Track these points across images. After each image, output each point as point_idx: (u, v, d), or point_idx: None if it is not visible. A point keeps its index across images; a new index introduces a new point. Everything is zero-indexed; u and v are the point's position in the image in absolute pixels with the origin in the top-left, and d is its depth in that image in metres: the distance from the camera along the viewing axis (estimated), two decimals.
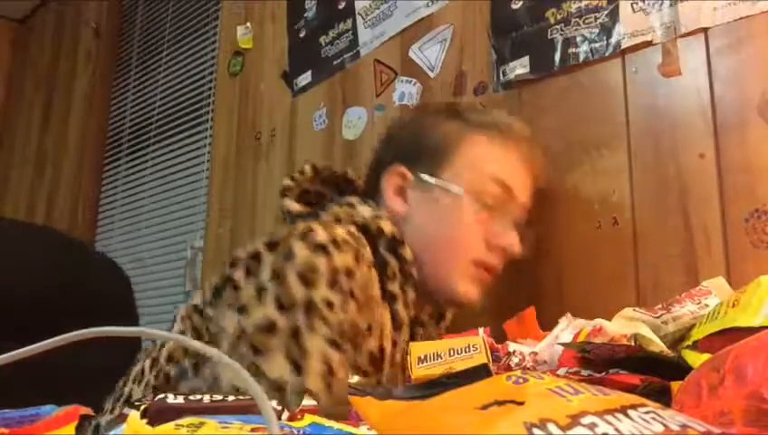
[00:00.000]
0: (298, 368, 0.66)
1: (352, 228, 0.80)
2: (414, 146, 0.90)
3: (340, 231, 0.76)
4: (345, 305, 0.70)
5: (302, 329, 0.68)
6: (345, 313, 0.70)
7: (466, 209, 0.84)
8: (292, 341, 0.68)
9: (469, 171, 0.85)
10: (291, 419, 0.38)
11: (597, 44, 1.12)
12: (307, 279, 0.69)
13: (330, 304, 0.69)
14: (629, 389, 0.45)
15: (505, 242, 0.84)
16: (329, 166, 0.93)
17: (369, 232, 0.82)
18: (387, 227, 0.84)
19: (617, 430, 0.26)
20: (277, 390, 0.66)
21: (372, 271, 0.77)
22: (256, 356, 0.68)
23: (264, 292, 0.70)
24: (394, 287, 0.82)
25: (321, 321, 0.69)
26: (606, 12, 1.11)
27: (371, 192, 0.93)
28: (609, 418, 0.26)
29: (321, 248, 0.71)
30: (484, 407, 0.28)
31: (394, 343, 0.82)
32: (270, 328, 0.68)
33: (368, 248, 0.78)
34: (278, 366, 0.67)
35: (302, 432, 0.35)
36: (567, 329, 0.67)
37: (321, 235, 0.73)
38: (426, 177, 0.86)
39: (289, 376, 0.67)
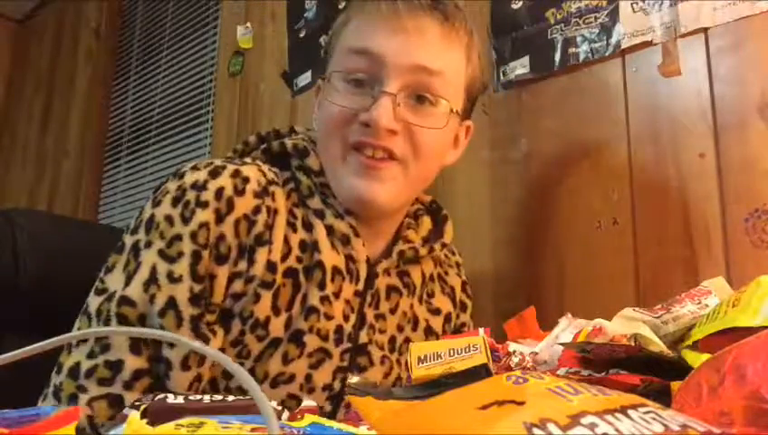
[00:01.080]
0: (129, 280, 0.69)
1: (248, 159, 0.80)
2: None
3: (213, 161, 0.75)
4: (191, 216, 0.70)
5: (140, 244, 0.71)
6: (187, 223, 0.70)
7: (333, 92, 0.77)
8: (131, 256, 0.71)
9: (335, 55, 0.80)
10: (291, 419, 0.38)
11: (597, 44, 1.12)
12: (156, 201, 0.73)
13: (169, 219, 0.70)
14: (629, 389, 0.45)
15: (367, 116, 0.74)
16: (275, 129, 0.89)
17: (275, 153, 0.82)
18: (289, 142, 0.82)
19: (617, 430, 0.26)
20: (108, 300, 0.69)
21: (265, 186, 0.75)
22: (105, 274, 0.72)
23: (129, 225, 0.75)
24: (314, 203, 0.79)
25: (158, 235, 0.70)
26: (606, 12, 1.11)
27: None
28: (609, 418, 0.26)
29: (179, 175, 0.74)
30: (484, 407, 0.28)
31: (351, 258, 0.79)
32: (120, 248, 0.72)
33: (254, 166, 0.75)
34: (116, 280, 0.70)
35: (302, 432, 0.35)
36: (567, 329, 0.67)
37: (187, 166, 0.75)
38: (323, 79, 0.82)
39: (120, 287, 0.69)
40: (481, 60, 0.86)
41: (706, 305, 0.60)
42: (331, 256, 0.77)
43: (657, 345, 0.54)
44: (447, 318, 0.92)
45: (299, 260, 0.76)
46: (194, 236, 0.70)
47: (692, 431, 0.26)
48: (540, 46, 1.20)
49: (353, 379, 0.55)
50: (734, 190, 0.94)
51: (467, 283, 0.97)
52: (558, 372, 0.54)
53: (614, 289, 1.04)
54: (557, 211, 1.14)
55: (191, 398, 0.39)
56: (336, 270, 0.78)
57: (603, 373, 0.50)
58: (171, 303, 0.69)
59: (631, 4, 1.08)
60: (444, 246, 0.91)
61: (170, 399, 0.39)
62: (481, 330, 0.82)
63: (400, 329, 0.85)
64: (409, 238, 0.86)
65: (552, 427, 0.25)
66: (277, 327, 0.74)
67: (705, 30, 0.99)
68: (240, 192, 0.72)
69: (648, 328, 0.58)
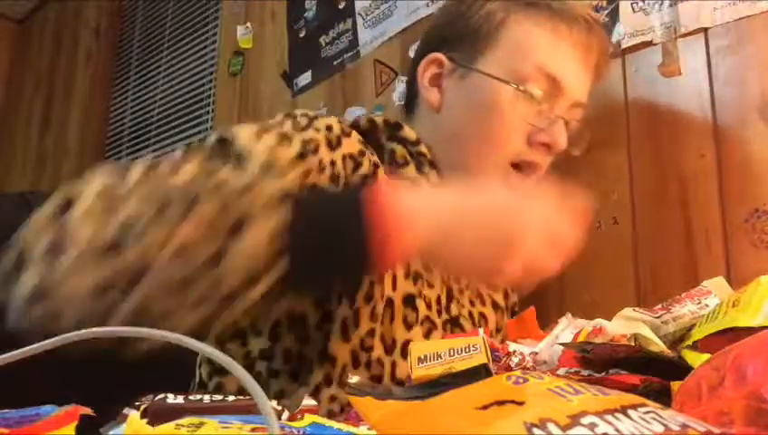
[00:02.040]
0: (260, 134, 0.65)
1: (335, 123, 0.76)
2: (451, 29, 0.80)
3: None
4: (305, 128, 0.67)
5: (271, 125, 0.67)
6: (300, 131, 0.67)
7: (507, 101, 0.74)
8: (265, 125, 0.67)
9: (512, 58, 0.75)
10: (291, 418, 0.38)
11: None
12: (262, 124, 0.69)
13: (280, 123, 0.68)
14: (629, 389, 0.45)
15: (548, 137, 0.74)
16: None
17: (362, 129, 0.78)
18: (378, 118, 0.79)
19: (617, 430, 0.26)
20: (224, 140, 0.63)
21: (364, 144, 0.72)
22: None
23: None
24: (409, 171, 0.76)
25: (265, 129, 0.66)
26: (606, 12, 1.11)
27: (410, 103, 0.85)
28: (609, 418, 0.26)
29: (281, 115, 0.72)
30: (484, 407, 0.28)
31: None
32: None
33: (350, 134, 0.73)
34: (246, 132, 0.65)
35: (302, 432, 0.35)
36: (567, 329, 0.67)
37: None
38: (464, 62, 0.77)
39: (250, 136, 0.64)
40: None
41: (706, 305, 0.60)
42: None
43: (657, 345, 0.54)
44: (505, 294, 0.91)
45: None
46: (305, 142, 0.66)
47: (692, 431, 0.26)
48: None
49: (353, 379, 0.55)
50: (735, 190, 0.94)
51: None
52: (558, 372, 0.54)
53: (614, 289, 1.04)
54: None
55: (191, 398, 0.39)
56: None
57: (603, 373, 0.50)
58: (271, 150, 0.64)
59: (631, 4, 1.08)
60: None
61: (170, 399, 0.39)
62: (481, 330, 0.82)
63: (472, 304, 0.84)
64: None
65: (551, 427, 0.25)
66: (387, 284, 0.71)
67: (705, 30, 0.99)
68: (346, 134, 0.70)
69: (647, 328, 0.58)
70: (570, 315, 0.73)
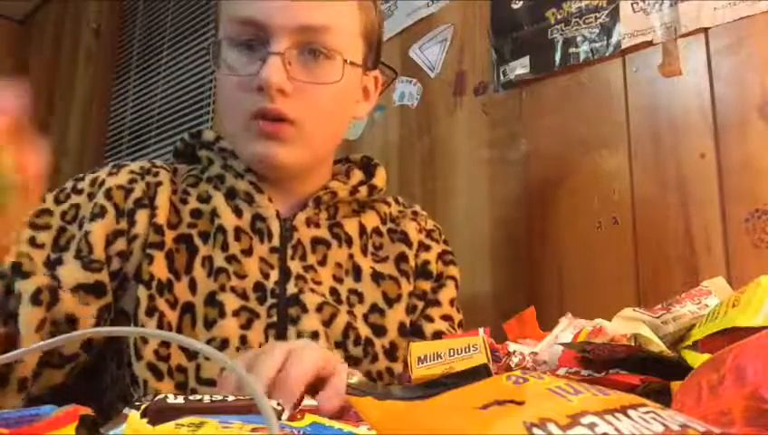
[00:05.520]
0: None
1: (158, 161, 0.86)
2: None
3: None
4: (65, 200, 0.77)
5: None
6: (59, 204, 0.77)
7: (225, 64, 0.76)
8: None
9: (223, 22, 0.78)
10: (291, 419, 0.38)
11: (597, 44, 1.12)
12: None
13: (43, 200, 0.77)
14: (629, 389, 0.45)
15: (258, 80, 0.72)
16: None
17: (179, 150, 0.87)
18: (187, 134, 0.87)
19: (617, 429, 0.26)
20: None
21: (149, 168, 0.80)
22: None
23: None
24: (214, 169, 0.82)
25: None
26: (606, 12, 1.11)
27: None
28: (609, 418, 0.26)
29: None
30: (484, 407, 0.28)
31: (259, 217, 0.79)
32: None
33: (145, 161, 0.82)
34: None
35: (302, 432, 0.35)
36: (567, 329, 0.67)
37: None
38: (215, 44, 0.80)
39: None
40: (377, 4, 0.83)
41: (706, 305, 0.60)
42: (231, 220, 0.78)
43: (657, 345, 0.54)
44: (401, 258, 0.86)
45: (191, 226, 0.78)
46: (63, 214, 0.76)
47: (692, 431, 0.26)
48: (540, 46, 1.20)
49: (353, 379, 0.55)
50: (735, 190, 0.94)
51: (435, 230, 0.91)
52: (558, 372, 0.54)
53: (614, 289, 1.04)
54: (557, 211, 1.14)
55: (191, 398, 0.39)
56: (239, 230, 0.78)
57: (603, 373, 0.50)
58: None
59: (631, 4, 1.08)
60: (372, 188, 0.86)
61: (170, 399, 0.39)
62: (481, 330, 0.82)
63: (339, 280, 0.81)
64: (333, 189, 0.83)
65: (552, 427, 0.25)
66: (182, 290, 0.74)
67: (706, 30, 0.99)
68: (113, 174, 0.78)
69: (647, 328, 0.58)
70: (570, 315, 0.73)
